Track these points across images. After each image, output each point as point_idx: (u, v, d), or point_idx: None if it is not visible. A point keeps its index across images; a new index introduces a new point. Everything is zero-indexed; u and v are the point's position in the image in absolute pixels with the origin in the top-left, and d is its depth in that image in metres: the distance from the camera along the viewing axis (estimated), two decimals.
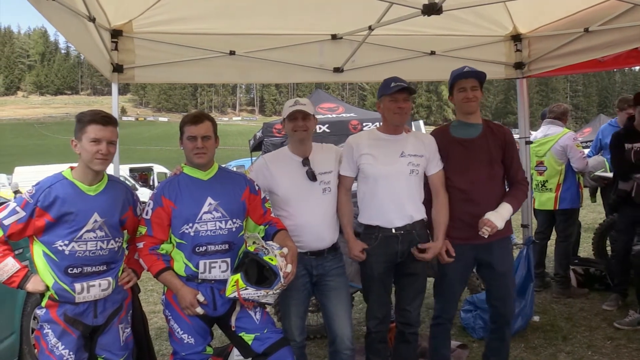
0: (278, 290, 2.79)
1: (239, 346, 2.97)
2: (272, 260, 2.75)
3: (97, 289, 2.71)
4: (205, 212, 2.87)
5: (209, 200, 2.88)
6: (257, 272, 2.79)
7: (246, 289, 2.73)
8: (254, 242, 2.84)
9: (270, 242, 2.89)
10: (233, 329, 2.93)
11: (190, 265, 2.87)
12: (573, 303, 5.40)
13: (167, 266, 2.88)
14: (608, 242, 6.16)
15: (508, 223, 3.31)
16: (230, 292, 2.77)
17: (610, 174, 5.90)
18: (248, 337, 2.92)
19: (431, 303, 5.52)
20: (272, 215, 3.12)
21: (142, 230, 2.90)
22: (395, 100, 3.19)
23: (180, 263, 2.89)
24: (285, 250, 2.81)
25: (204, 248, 2.86)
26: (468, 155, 3.29)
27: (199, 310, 2.83)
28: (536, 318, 4.84)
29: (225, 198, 2.92)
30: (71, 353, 2.67)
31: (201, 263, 2.86)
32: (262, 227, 3.07)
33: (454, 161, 3.31)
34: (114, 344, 2.83)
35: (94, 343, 2.79)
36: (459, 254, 3.28)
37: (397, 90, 3.16)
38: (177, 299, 2.86)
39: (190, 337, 2.89)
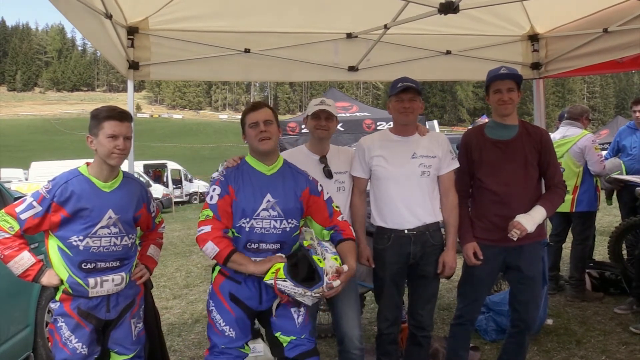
0: (317, 295, 2.63)
1: (272, 344, 2.92)
2: (320, 261, 2.62)
3: (110, 283, 2.73)
4: (263, 209, 2.79)
5: (268, 197, 2.80)
6: (307, 270, 2.65)
7: (285, 280, 2.60)
8: (310, 238, 2.75)
9: (325, 243, 2.79)
10: (274, 317, 2.83)
11: None
12: (587, 307, 5.34)
13: (234, 249, 2.75)
14: (624, 245, 6.07)
15: (541, 227, 3.25)
16: (268, 277, 2.64)
17: (626, 176, 5.84)
18: (284, 339, 2.86)
19: (443, 304, 5.53)
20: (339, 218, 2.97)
21: (209, 213, 2.75)
22: (401, 100, 3.18)
23: None
24: (345, 267, 2.65)
25: (256, 245, 2.79)
26: (502, 157, 3.23)
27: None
28: (549, 321, 4.79)
29: (283, 197, 2.83)
30: (84, 346, 2.70)
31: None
32: (326, 231, 2.95)
33: (487, 162, 3.26)
34: (126, 339, 2.85)
35: (107, 337, 2.81)
36: (488, 256, 3.24)
37: (402, 89, 3.15)
38: (258, 268, 2.68)
39: (231, 329, 2.82)
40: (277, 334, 2.86)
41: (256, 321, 2.99)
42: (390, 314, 3.33)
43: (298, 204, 2.86)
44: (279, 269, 2.62)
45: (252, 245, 2.79)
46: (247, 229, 2.78)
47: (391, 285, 3.29)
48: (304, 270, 2.64)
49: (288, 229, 2.83)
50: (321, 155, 3.25)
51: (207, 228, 2.73)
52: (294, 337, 2.84)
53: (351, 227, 2.99)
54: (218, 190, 2.80)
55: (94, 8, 3.37)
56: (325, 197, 2.94)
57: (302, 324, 2.87)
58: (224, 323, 2.83)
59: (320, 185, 2.97)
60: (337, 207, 2.97)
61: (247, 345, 2.92)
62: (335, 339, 3.33)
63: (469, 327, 3.48)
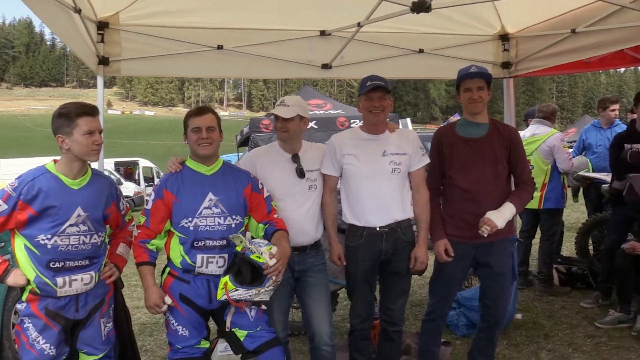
0: (271, 287, 2.79)
1: (230, 341, 2.97)
2: (259, 258, 2.73)
3: (79, 283, 2.69)
4: (205, 208, 2.88)
5: (210, 195, 2.89)
6: (252, 270, 2.77)
7: (236, 290, 2.74)
8: (240, 242, 2.82)
9: (255, 240, 2.87)
10: (228, 330, 2.94)
11: (187, 258, 2.89)
12: (555, 301, 5.46)
13: (149, 261, 2.91)
14: (590, 241, 6.23)
15: (510, 223, 3.30)
16: (220, 295, 2.77)
17: (592, 174, 6.00)
18: (241, 334, 2.94)
19: (415, 300, 5.59)
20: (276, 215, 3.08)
21: (142, 219, 2.93)
22: (370, 99, 3.19)
23: (176, 253, 2.92)
24: (274, 249, 2.79)
25: (202, 243, 2.88)
26: (473, 154, 3.27)
27: (165, 308, 2.86)
28: (519, 316, 4.88)
29: (225, 194, 2.93)
30: (52, 347, 2.64)
31: (199, 257, 2.87)
32: (261, 225, 3.05)
33: (458, 160, 3.30)
34: (95, 339, 2.81)
35: (75, 337, 2.77)
36: (459, 253, 3.28)
37: (371, 89, 3.16)
38: (145, 296, 2.89)
39: (184, 329, 2.90)
40: (235, 330, 2.94)
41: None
42: (362, 309, 3.35)
43: (241, 200, 2.98)
44: (226, 282, 2.75)
45: (199, 243, 2.88)
46: (191, 228, 2.87)
47: (363, 281, 3.31)
48: (248, 273, 2.77)
49: (233, 226, 2.93)
50: (293, 153, 3.24)
51: (136, 233, 2.95)
52: (251, 331, 2.93)
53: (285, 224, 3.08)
54: (153, 195, 2.95)
55: (62, 2, 3.29)
56: (265, 195, 3.06)
57: (255, 317, 2.96)
58: (177, 323, 2.92)
59: (261, 183, 3.08)
60: (275, 205, 3.09)
61: (205, 339, 2.99)
62: (308, 336, 3.34)
63: (440, 322, 3.53)
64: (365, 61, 4.87)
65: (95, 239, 2.74)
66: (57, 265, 2.63)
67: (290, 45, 4.71)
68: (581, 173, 6.04)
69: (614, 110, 6.17)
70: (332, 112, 11.04)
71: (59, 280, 2.63)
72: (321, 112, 10.93)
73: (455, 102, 3.42)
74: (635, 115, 5.01)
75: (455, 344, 4.41)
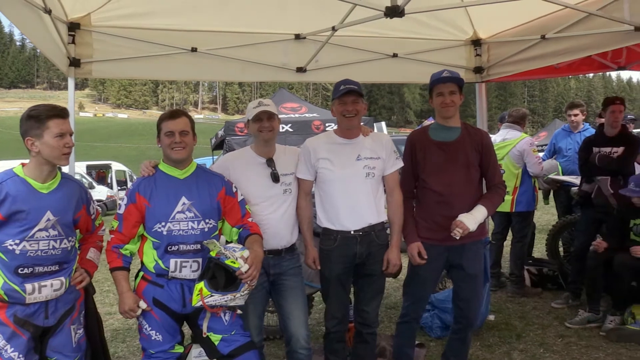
0: (246, 292, 2.79)
1: (204, 346, 2.95)
2: (234, 263, 2.73)
3: (49, 289, 2.63)
4: (178, 212, 2.87)
5: (183, 199, 2.88)
6: (225, 275, 2.76)
7: (212, 295, 2.73)
8: (215, 247, 2.80)
9: (230, 245, 2.86)
10: (205, 335, 2.92)
11: (161, 263, 2.87)
12: (527, 302, 5.55)
13: (123, 266, 2.88)
14: (561, 243, 6.36)
15: (482, 226, 3.35)
16: (195, 301, 2.76)
17: (562, 177, 6.13)
18: (215, 338, 2.92)
19: (389, 303, 5.63)
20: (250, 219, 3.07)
21: (114, 224, 2.90)
22: (344, 103, 3.21)
23: (150, 258, 2.90)
24: (246, 253, 2.78)
25: (176, 247, 2.86)
26: (445, 158, 3.31)
27: (139, 313, 2.85)
28: (491, 317, 4.94)
29: (199, 198, 2.91)
30: (21, 356, 2.57)
31: (172, 262, 2.85)
32: (235, 229, 3.04)
33: (431, 163, 3.33)
34: (65, 346, 2.74)
35: (45, 345, 2.70)
36: (432, 255, 3.31)
37: (344, 92, 3.18)
38: (119, 301, 2.85)
39: (158, 334, 2.87)
40: (209, 334, 2.92)
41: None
42: (337, 312, 3.36)
43: (215, 204, 2.96)
44: (201, 289, 2.74)
45: (173, 248, 2.86)
46: (164, 233, 2.85)
47: (337, 284, 3.32)
48: (222, 278, 2.76)
49: (207, 230, 2.92)
50: (267, 157, 3.23)
51: (109, 238, 2.92)
52: (225, 335, 2.91)
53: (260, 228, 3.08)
54: (126, 200, 2.92)
55: (31, 2, 3.24)
56: (239, 198, 3.05)
57: (230, 321, 2.94)
58: (150, 328, 2.89)
59: (235, 187, 3.07)
60: (249, 209, 3.08)
61: (179, 344, 2.97)
62: (284, 340, 3.34)
63: (415, 324, 3.56)
64: (340, 65, 4.90)
65: (65, 243, 2.68)
66: (25, 271, 2.56)
67: (265, 49, 4.71)
68: (551, 176, 6.17)
69: (570, 115, 6.38)
70: (307, 115, 11.07)
71: (28, 286, 2.57)
72: (296, 115, 10.95)
73: (430, 106, 3.45)
74: (603, 120, 5.14)
75: (429, 345, 4.44)
